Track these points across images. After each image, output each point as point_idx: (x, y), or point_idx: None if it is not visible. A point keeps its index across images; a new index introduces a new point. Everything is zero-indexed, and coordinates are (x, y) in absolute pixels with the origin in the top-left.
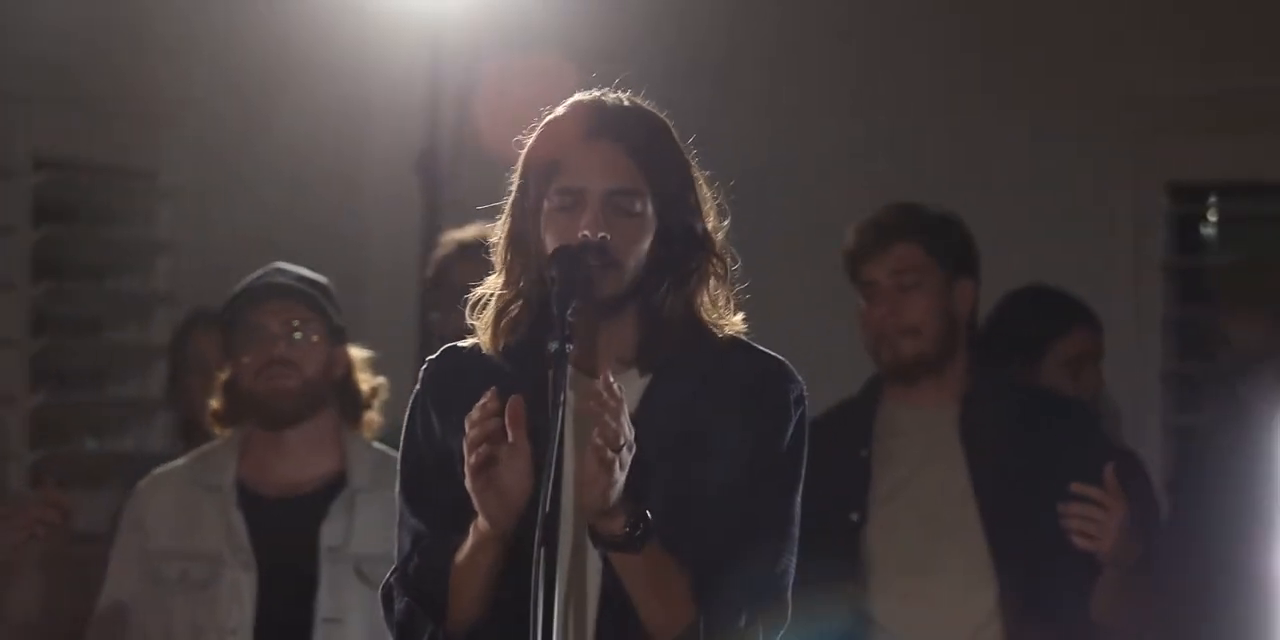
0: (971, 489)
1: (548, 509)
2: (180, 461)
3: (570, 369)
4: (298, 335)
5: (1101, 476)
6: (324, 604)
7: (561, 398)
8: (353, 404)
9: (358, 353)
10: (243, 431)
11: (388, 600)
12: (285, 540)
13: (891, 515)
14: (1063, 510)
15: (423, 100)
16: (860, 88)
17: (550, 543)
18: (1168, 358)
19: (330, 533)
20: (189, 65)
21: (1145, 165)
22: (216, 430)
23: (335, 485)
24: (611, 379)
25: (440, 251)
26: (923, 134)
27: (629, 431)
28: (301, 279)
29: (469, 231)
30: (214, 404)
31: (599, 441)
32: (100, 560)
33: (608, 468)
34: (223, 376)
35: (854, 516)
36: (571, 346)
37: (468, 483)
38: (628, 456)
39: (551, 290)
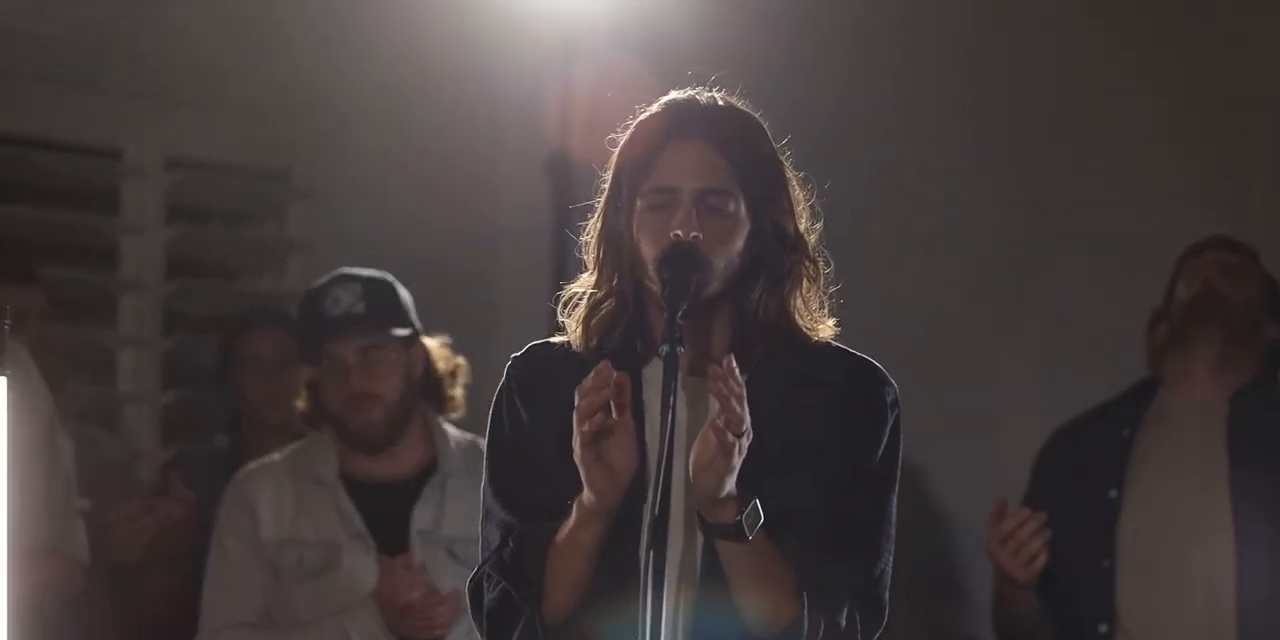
0: (1229, 488)
1: (656, 512)
2: (276, 457)
3: (661, 367)
4: (375, 364)
5: None
6: None
7: (672, 400)
8: (437, 392)
9: (431, 342)
10: (332, 431)
11: (476, 593)
12: (388, 525)
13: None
14: None
15: (554, 101)
16: (974, 94)
17: (659, 546)
18: None
19: (421, 517)
20: (320, 65)
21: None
22: (307, 429)
23: (428, 471)
24: (734, 364)
25: None
26: (1047, 138)
27: (748, 418)
28: (369, 295)
29: None
30: (301, 404)
31: (720, 424)
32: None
33: (727, 452)
34: (306, 378)
35: (1111, 493)
36: (683, 349)
37: (577, 455)
38: (745, 443)
39: (662, 293)
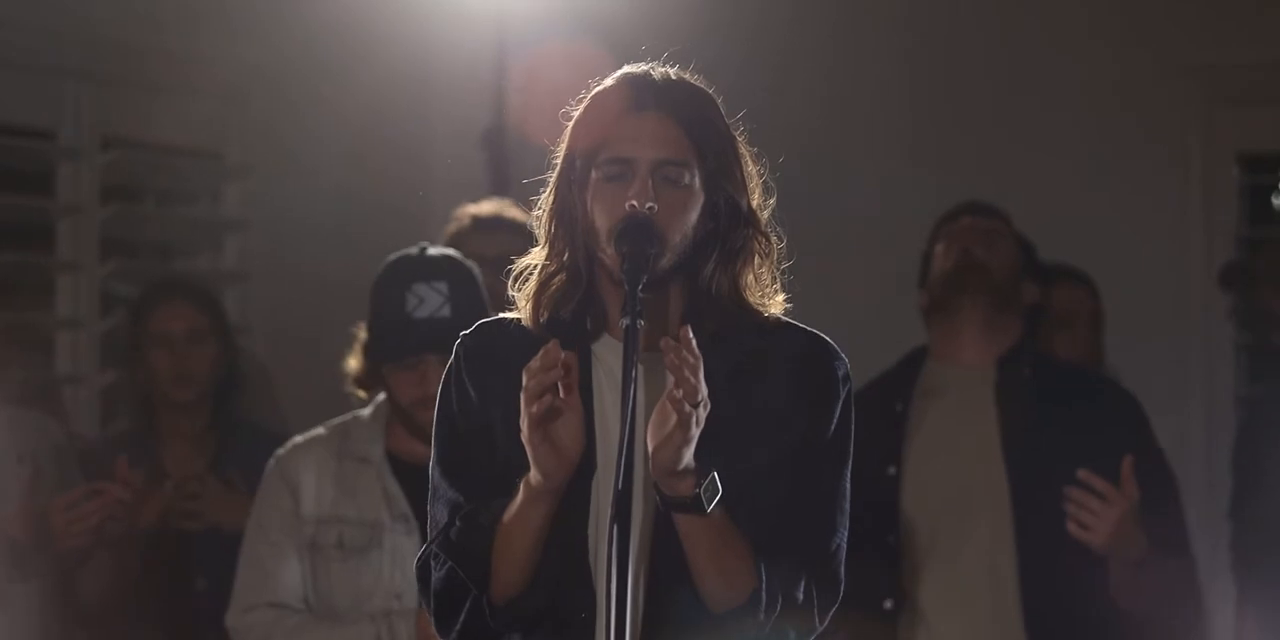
0: (1001, 453)
1: (620, 486)
2: (320, 431)
3: (611, 342)
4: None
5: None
6: None
7: (634, 373)
8: None
9: None
10: (383, 407)
11: (424, 572)
12: None
13: (924, 471)
14: (1066, 494)
15: (488, 77)
16: (915, 67)
17: (623, 519)
18: (1241, 329)
19: None
20: (254, 44)
21: (1217, 136)
22: (360, 394)
23: None
24: (691, 335)
25: (453, 226)
26: (985, 110)
27: (705, 389)
28: (455, 295)
29: (485, 207)
30: (353, 365)
31: (678, 394)
32: None
33: (685, 423)
34: (362, 336)
35: (890, 470)
36: (643, 323)
37: (524, 435)
38: (703, 414)
39: (621, 266)
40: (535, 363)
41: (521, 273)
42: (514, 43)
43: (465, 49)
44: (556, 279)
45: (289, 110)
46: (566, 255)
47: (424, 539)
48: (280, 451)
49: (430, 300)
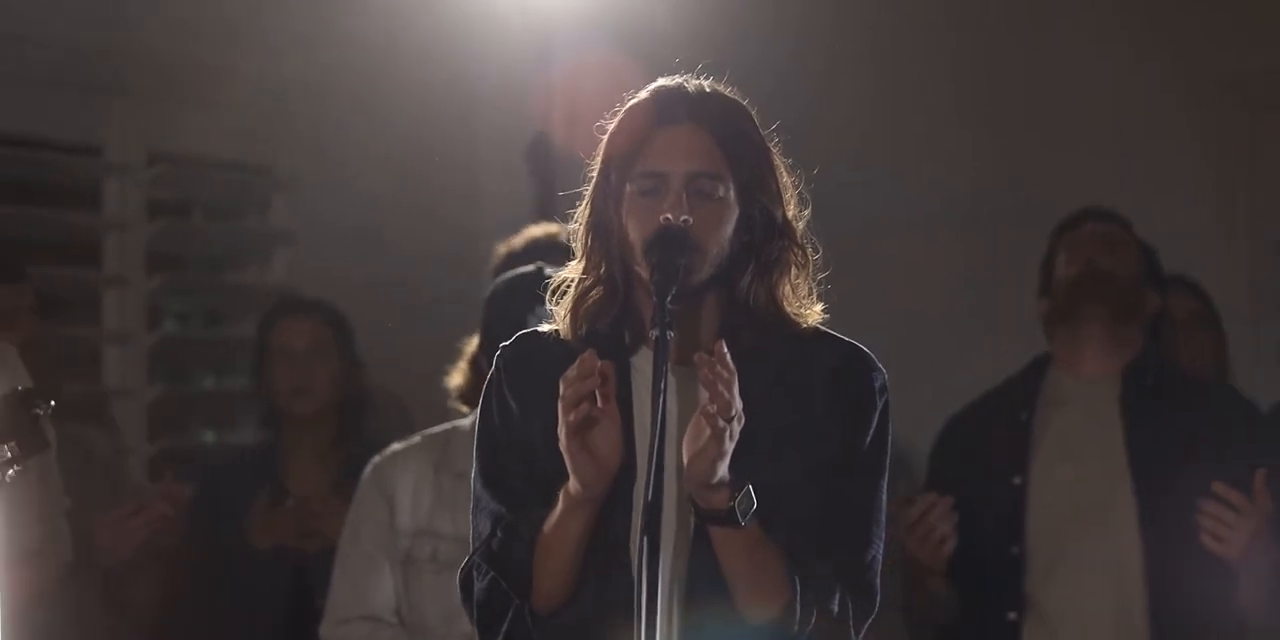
0: (1128, 464)
1: (649, 497)
2: (416, 441)
3: (649, 354)
4: None
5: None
6: None
7: (663, 384)
8: None
9: None
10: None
11: (466, 582)
12: None
13: (1049, 482)
14: (1200, 506)
15: (534, 88)
16: (959, 77)
17: (653, 531)
18: None
19: None
20: (301, 58)
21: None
22: (464, 409)
23: None
24: (725, 349)
25: (492, 262)
26: (1028, 119)
27: (739, 403)
28: None
29: (518, 240)
30: (459, 380)
31: (712, 409)
32: None
33: (718, 437)
34: (470, 350)
35: (1016, 480)
36: (673, 333)
37: (562, 444)
38: (737, 428)
39: (651, 278)
40: (572, 371)
41: (560, 286)
42: (559, 53)
43: (510, 58)
44: (594, 292)
45: (335, 122)
46: (603, 268)
47: None
48: (376, 459)
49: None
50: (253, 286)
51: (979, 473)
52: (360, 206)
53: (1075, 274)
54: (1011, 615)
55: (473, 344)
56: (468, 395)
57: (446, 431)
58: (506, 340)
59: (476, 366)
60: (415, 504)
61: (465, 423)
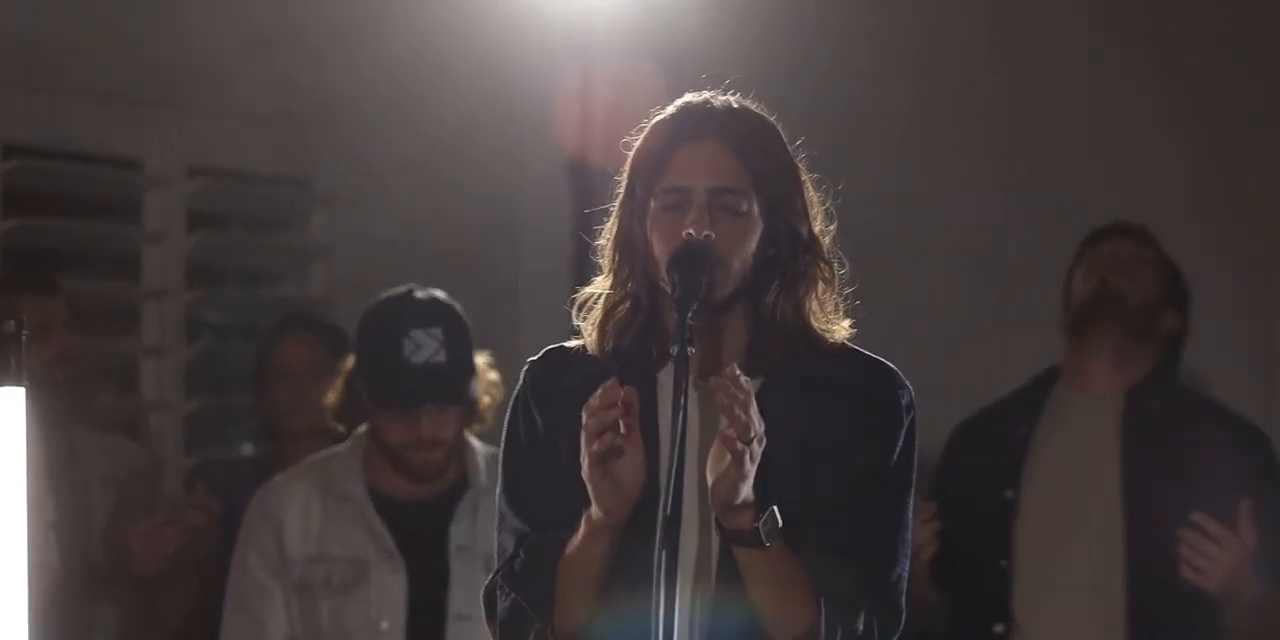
0: (1120, 485)
1: (668, 512)
2: (298, 469)
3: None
4: (446, 411)
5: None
6: (456, 601)
7: (683, 400)
8: (472, 409)
9: (479, 361)
10: (360, 442)
11: (490, 601)
12: (421, 542)
13: (1041, 497)
14: (1180, 536)
15: (574, 104)
16: (1000, 93)
17: (671, 545)
18: None
19: (458, 532)
20: (339, 70)
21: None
22: (339, 427)
23: (459, 487)
24: (738, 372)
25: None
26: (1073, 139)
27: (759, 424)
28: (449, 341)
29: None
30: (332, 400)
31: (730, 433)
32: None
33: (739, 460)
34: (346, 369)
35: (1008, 494)
36: (693, 349)
37: (585, 472)
38: (758, 449)
39: (673, 293)
40: (595, 400)
41: (586, 301)
42: (598, 68)
43: (552, 73)
44: (620, 307)
45: (374, 136)
46: (630, 284)
47: (411, 577)
48: (261, 490)
49: (426, 346)
50: (291, 300)
51: (975, 483)
52: (398, 221)
53: (1088, 294)
54: (998, 628)
55: (349, 363)
56: (340, 413)
57: (327, 457)
58: (376, 362)
59: (350, 386)
60: (304, 530)
61: (342, 448)
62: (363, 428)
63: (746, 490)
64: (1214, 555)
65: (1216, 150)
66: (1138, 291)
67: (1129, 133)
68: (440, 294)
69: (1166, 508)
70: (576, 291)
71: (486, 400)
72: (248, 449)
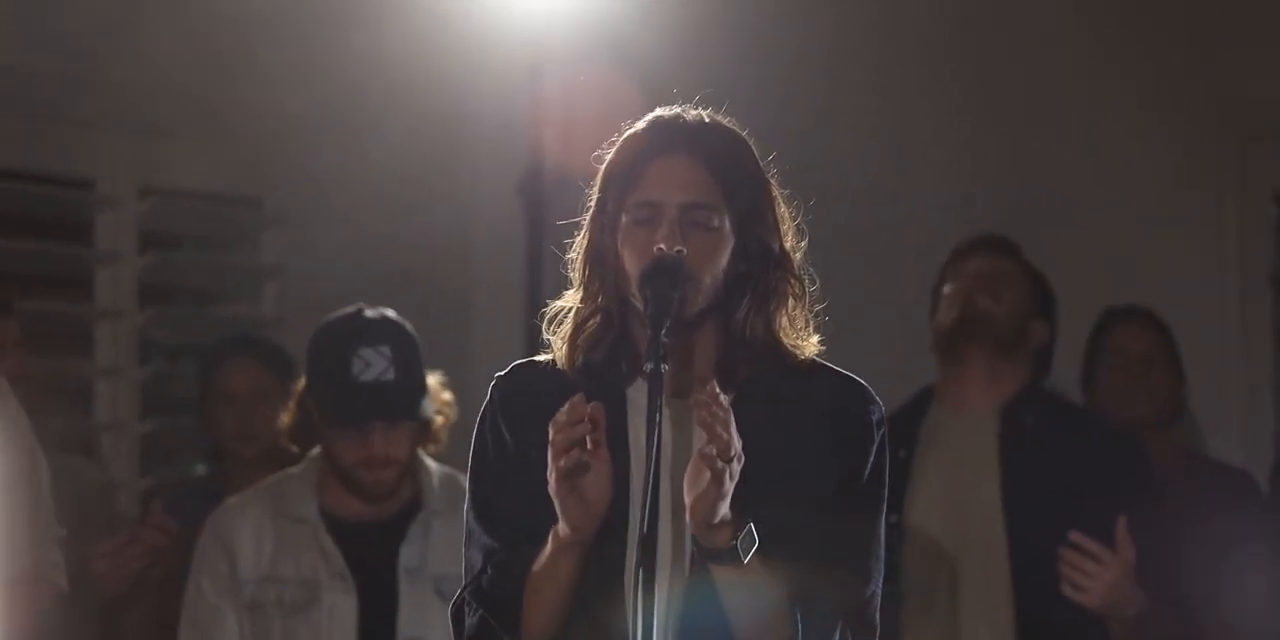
0: (1001, 505)
1: (645, 530)
2: (251, 492)
3: (645, 386)
4: (396, 429)
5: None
6: (406, 623)
7: (658, 417)
8: (425, 429)
9: (432, 381)
10: (315, 464)
11: (458, 617)
12: (371, 563)
13: (924, 520)
14: (1061, 555)
15: (525, 121)
16: (959, 105)
17: (648, 564)
18: (1278, 368)
19: (408, 554)
20: (291, 91)
21: (1253, 173)
22: (293, 448)
23: (412, 508)
24: (718, 390)
25: None
26: (1023, 150)
27: (738, 442)
28: (398, 359)
29: None
30: (286, 420)
31: (711, 451)
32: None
33: (718, 478)
34: (298, 390)
35: (891, 519)
36: (667, 366)
37: (551, 488)
38: (737, 467)
39: (645, 309)
40: (562, 416)
41: (556, 315)
42: (550, 84)
43: (502, 91)
44: (590, 322)
45: (326, 156)
46: (600, 298)
47: (363, 598)
48: (215, 512)
49: (375, 364)
50: (243, 319)
51: None
52: (350, 241)
53: (956, 315)
54: None
55: (300, 384)
56: (294, 434)
57: (280, 479)
58: (326, 380)
59: (302, 406)
60: (257, 552)
61: (296, 470)
62: (317, 449)
63: (724, 509)
64: (1094, 573)
65: (1184, 140)
66: (1004, 307)
67: (1102, 126)
68: (390, 313)
69: (1049, 525)
70: (532, 308)
71: (440, 420)
72: (201, 469)
